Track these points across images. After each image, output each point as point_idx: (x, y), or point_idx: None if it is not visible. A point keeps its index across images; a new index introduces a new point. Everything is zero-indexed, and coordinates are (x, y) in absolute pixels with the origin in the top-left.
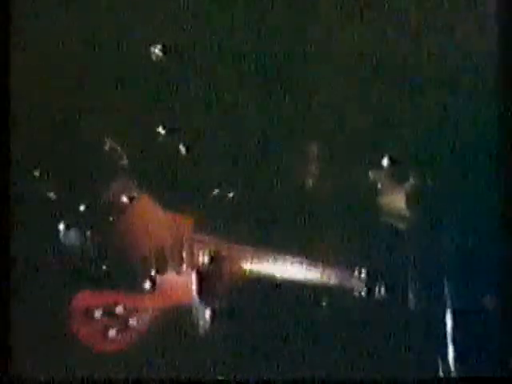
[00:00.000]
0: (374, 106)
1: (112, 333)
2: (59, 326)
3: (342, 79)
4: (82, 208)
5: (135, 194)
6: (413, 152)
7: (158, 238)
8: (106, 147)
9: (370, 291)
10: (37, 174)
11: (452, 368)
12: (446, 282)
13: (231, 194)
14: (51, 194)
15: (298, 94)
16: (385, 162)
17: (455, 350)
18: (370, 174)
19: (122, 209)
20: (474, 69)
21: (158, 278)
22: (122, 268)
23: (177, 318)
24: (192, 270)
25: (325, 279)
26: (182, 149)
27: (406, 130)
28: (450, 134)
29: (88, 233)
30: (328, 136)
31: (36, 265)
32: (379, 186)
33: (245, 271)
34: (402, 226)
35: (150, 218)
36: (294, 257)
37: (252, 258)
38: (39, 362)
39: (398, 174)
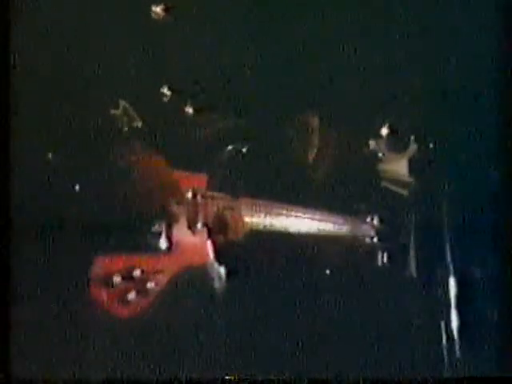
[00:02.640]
0: (373, 74)
1: (131, 296)
2: (78, 296)
3: (342, 49)
4: (92, 171)
5: (146, 156)
6: (413, 119)
7: (172, 197)
8: (113, 109)
9: (379, 238)
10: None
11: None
12: (448, 247)
13: (244, 150)
14: (57, 159)
15: (300, 61)
16: (384, 131)
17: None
18: (371, 142)
19: (134, 171)
20: (474, 33)
21: (174, 238)
22: (136, 231)
23: (194, 278)
24: (207, 227)
25: (337, 228)
26: (189, 110)
27: (405, 98)
28: (450, 99)
29: (100, 196)
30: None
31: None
32: (380, 154)
33: (260, 226)
34: (404, 192)
35: (163, 178)
36: (306, 210)
37: (266, 214)
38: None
39: (398, 142)
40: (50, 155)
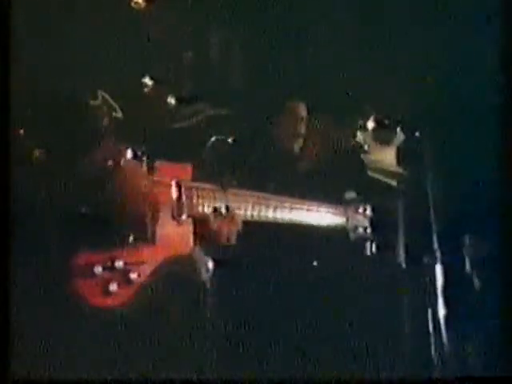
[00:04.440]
0: (361, 65)
1: (113, 287)
2: (61, 285)
3: (331, 40)
4: (76, 166)
5: (128, 148)
6: (399, 110)
7: (157, 189)
8: (94, 102)
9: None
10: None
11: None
12: (435, 236)
13: (230, 140)
14: (41, 153)
15: (287, 51)
16: (370, 124)
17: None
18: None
19: (118, 164)
20: (463, 24)
21: (158, 230)
22: (120, 222)
23: (178, 268)
24: (192, 218)
25: (332, 219)
26: (172, 100)
27: (392, 89)
28: (436, 88)
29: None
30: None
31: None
32: (366, 147)
33: (246, 217)
34: (393, 182)
35: (147, 170)
36: (293, 201)
37: (252, 204)
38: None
39: (384, 133)
40: (33, 150)
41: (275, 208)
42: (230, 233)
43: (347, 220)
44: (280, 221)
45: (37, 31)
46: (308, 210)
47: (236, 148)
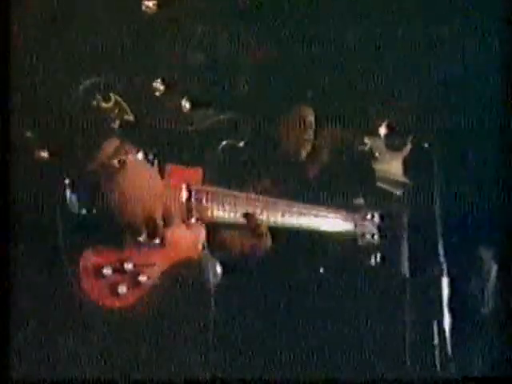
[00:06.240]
0: (372, 71)
1: (122, 289)
2: (68, 284)
3: (340, 43)
4: (83, 167)
5: (139, 150)
6: (410, 118)
7: (167, 191)
8: (106, 104)
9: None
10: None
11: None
12: (441, 247)
13: (241, 144)
14: (48, 154)
15: (296, 55)
16: (382, 130)
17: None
18: (367, 140)
19: (126, 165)
20: (477, 33)
21: (167, 233)
22: (129, 224)
23: (187, 272)
24: (201, 222)
25: (336, 225)
26: (185, 104)
27: (404, 97)
28: (449, 99)
29: (92, 190)
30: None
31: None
32: (376, 153)
33: (256, 222)
34: (398, 192)
35: (157, 171)
36: (305, 207)
37: (262, 209)
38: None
39: (395, 141)
40: (41, 150)
41: (283, 213)
42: (236, 236)
43: (355, 226)
44: (288, 226)
45: (50, 33)
46: (316, 215)
47: (246, 152)
